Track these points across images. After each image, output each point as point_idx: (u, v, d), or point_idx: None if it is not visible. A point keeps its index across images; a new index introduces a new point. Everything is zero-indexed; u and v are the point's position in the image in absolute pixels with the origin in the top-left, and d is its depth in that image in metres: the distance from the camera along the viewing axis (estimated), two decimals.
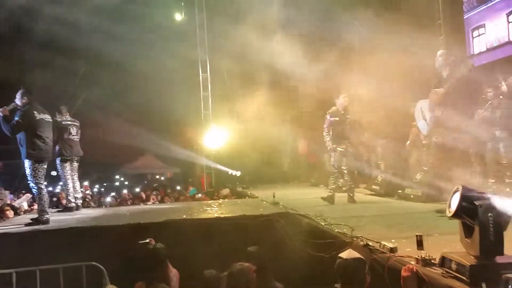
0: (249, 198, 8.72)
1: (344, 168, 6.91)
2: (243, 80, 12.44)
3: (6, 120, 5.68)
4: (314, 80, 9.73)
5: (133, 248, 4.73)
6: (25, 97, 5.77)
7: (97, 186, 13.97)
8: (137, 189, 11.38)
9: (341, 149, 6.80)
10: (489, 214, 2.52)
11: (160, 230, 5.22)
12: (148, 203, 8.78)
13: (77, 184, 7.13)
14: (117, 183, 17.22)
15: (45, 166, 5.90)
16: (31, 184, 5.79)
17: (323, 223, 4.80)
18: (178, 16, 14.98)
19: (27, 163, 5.72)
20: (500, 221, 2.53)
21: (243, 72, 11.92)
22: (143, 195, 9.64)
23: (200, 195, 9.53)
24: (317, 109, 10.00)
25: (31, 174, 5.72)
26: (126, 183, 17.98)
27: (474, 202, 2.59)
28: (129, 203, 8.96)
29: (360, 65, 10.21)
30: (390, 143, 10.18)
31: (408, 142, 9.10)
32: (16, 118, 5.64)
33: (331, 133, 6.94)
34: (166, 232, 5.16)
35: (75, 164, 7.06)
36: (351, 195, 6.76)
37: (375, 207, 6.27)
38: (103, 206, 8.50)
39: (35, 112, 5.74)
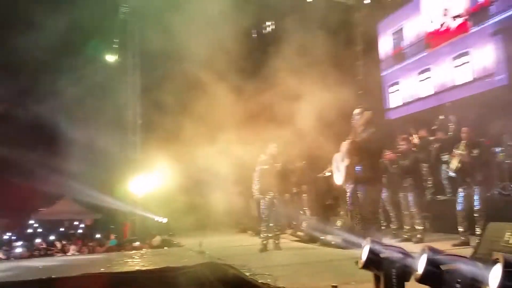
0: (174, 247, 8.46)
1: (272, 215, 7.05)
2: (174, 125, 12.40)
3: None
4: (240, 131, 10.03)
5: None
6: None
7: (8, 234, 12.67)
8: (52, 238, 10.50)
9: (269, 197, 6.94)
10: (393, 267, 2.69)
11: (74, 286, 4.86)
12: (66, 254, 8.14)
13: None
14: (30, 230, 15.77)
15: None
16: None
17: (247, 274, 4.78)
18: (111, 58, 14.77)
19: None
20: (402, 273, 2.71)
21: (173, 117, 11.90)
22: (59, 245, 8.91)
23: (138, 243, 9.05)
24: (247, 155, 10.23)
25: None
26: (40, 230, 16.50)
27: (380, 255, 2.77)
28: (42, 253, 8.22)
29: (285, 115, 10.75)
30: (314, 190, 10.62)
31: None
32: None
33: (259, 181, 7.10)
34: None
35: None
36: (277, 242, 6.87)
37: (299, 254, 6.39)
38: (12, 258, 7.72)
39: None
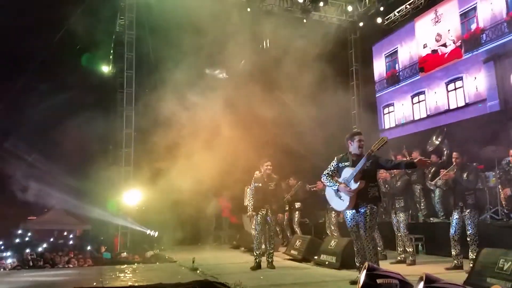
0: (166, 262, 8.40)
1: (264, 233, 7.10)
2: (167, 136, 12.41)
3: None
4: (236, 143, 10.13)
5: None
6: None
7: None
8: (40, 249, 10.34)
9: (261, 214, 6.96)
10: None
11: None
12: (57, 266, 8.01)
13: None
14: (17, 240, 15.51)
15: None
16: None
17: None
18: (105, 68, 14.83)
19: None
20: None
21: (166, 128, 11.91)
22: (49, 256, 8.78)
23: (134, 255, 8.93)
24: (240, 171, 10.27)
25: None
26: (27, 239, 16.26)
27: (377, 281, 2.82)
28: (31, 264, 8.10)
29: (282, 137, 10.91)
30: (307, 208, 10.67)
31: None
32: None
33: (253, 198, 7.18)
34: None
35: None
36: (270, 260, 6.87)
37: (293, 273, 6.38)
38: (1, 269, 7.59)
39: None
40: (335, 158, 5.27)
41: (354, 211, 5.02)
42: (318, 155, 11.24)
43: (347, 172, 4.99)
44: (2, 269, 7.59)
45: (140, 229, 11.32)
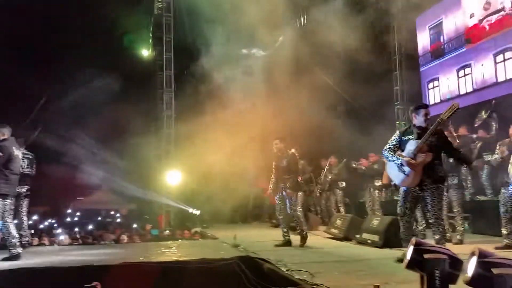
0: (209, 239, 8.61)
1: (285, 211, 7.05)
2: (207, 116, 12.57)
3: None
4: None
5: None
6: (3, 132, 5.77)
7: (48, 221, 13.24)
8: (91, 226, 10.90)
9: (279, 194, 6.98)
10: (437, 269, 2.65)
11: (115, 274, 5.02)
12: (103, 242, 8.42)
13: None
14: (68, 219, 16.43)
15: (7, 202, 5.80)
16: None
17: (283, 269, 4.81)
18: (145, 52, 15.09)
19: None
20: (448, 275, 2.66)
21: (206, 107, 12.04)
22: (98, 233, 9.23)
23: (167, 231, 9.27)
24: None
25: None
26: (76, 219, 17.17)
27: (424, 255, 2.74)
28: (81, 241, 8.54)
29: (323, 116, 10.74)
30: (347, 188, 10.54)
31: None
32: None
33: (273, 177, 7.22)
34: (121, 276, 4.97)
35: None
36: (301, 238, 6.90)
37: (334, 251, 6.36)
38: (55, 244, 8.06)
39: (14, 148, 5.79)
40: (397, 132, 5.08)
41: (417, 188, 4.79)
42: (359, 133, 11.04)
43: (412, 145, 4.73)
44: (55, 245, 8.03)
45: (182, 208, 11.62)
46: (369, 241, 6.65)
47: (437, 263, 2.77)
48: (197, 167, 11.86)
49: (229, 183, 11.50)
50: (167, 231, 9.37)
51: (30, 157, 7.06)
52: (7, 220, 5.78)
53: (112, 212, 18.60)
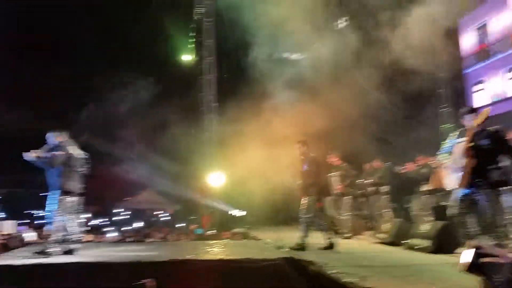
0: (252, 239, 8.64)
1: (310, 215, 6.88)
2: (249, 119, 12.65)
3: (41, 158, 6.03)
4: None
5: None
6: (60, 136, 6.19)
7: (98, 220, 13.86)
8: (139, 225, 11.27)
9: (307, 198, 6.83)
10: (498, 273, 2.55)
11: (163, 270, 5.14)
12: (151, 240, 8.68)
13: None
14: (117, 218, 17.09)
15: (71, 199, 6.11)
16: (50, 214, 5.92)
17: (330, 271, 4.72)
18: (188, 57, 15.45)
19: (53, 194, 5.94)
20: (507, 280, 2.56)
21: (251, 109, 12.11)
22: (146, 232, 9.53)
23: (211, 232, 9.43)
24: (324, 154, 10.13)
25: (53, 204, 5.90)
26: (124, 217, 17.81)
27: (485, 260, 2.63)
28: (131, 239, 8.85)
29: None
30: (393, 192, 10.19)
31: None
32: (55, 152, 5.99)
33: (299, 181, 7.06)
34: (169, 273, 5.09)
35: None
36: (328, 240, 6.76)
37: (381, 256, 6.17)
38: (105, 241, 8.42)
39: (72, 147, 6.19)
40: (450, 135, 5.20)
41: (473, 191, 4.74)
42: (405, 136, 10.71)
43: (459, 148, 4.88)
44: (106, 242, 8.37)
45: (226, 209, 11.76)
46: (419, 247, 6.39)
47: (498, 268, 2.65)
48: (240, 169, 11.95)
49: (271, 185, 11.49)
50: (211, 231, 9.51)
51: (85, 157, 7.39)
52: (68, 216, 6.06)
53: (159, 212, 19.20)
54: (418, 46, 11.26)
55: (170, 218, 15.49)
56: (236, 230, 9.51)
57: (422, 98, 12.15)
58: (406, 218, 9.28)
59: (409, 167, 9.50)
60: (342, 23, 13.12)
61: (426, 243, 6.22)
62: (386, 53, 10.83)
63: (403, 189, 10.24)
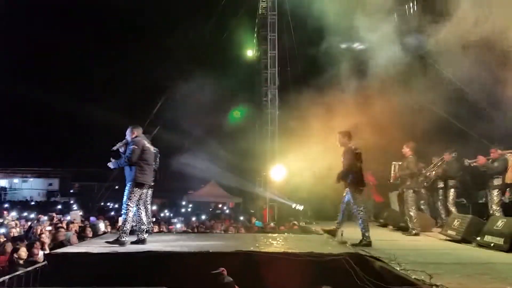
0: (313, 234, 8.62)
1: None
2: (310, 114, 12.55)
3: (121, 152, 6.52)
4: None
5: (202, 276, 4.88)
6: (135, 131, 6.52)
7: (165, 211, 14.56)
8: (203, 217, 11.68)
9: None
10: None
11: (229, 261, 5.31)
12: (214, 231, 8.98)
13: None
14: (183, 210, 17.83)
15: (143, 191, 6.49)
16: (123, 205, 6.29)
17: (398, 268, 4.62)
18: (250, 52, 15.65)
19: (128, 186, 6.31)
20: None
21: (311, 106, 12.03)
22: (209, 224, 9.88)
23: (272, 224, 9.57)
24: (382, 149, 9.84)
25: (127, 196, 6.25)
26: (189, 209, 18.49)
27: None
28: (195, 230, 9.22)
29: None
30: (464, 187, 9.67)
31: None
32: (131, 147, 6.33)
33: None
34: (234, 263, 5.26)
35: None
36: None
37: (452, 253, 5.92)
38: (173, 232, 8.83)
39: (145, 142, 6.49)
40: None
41: None
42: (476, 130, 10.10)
43: None
44: (174, 232, 8.77)
45: (286, 203, 11.84)
46: (492, 244, 6.05)
47: None
48: (300, 163, 11.93)
49: (332, 179, 11.33)
50: (271, 224, 9.64)
51: (155, 151, 7.77)
52: (141, 207, 6.44)
53: (220, 205, 19.72)
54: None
55: (231, 211, 15.86)
56: (296, 223, 9.55)
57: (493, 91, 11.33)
58: (477, 214, 8.79)
59: (479, 160, 8.93)
60: None
61: (499, 241, 5.88)
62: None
63: (474, 183, 9.71)
